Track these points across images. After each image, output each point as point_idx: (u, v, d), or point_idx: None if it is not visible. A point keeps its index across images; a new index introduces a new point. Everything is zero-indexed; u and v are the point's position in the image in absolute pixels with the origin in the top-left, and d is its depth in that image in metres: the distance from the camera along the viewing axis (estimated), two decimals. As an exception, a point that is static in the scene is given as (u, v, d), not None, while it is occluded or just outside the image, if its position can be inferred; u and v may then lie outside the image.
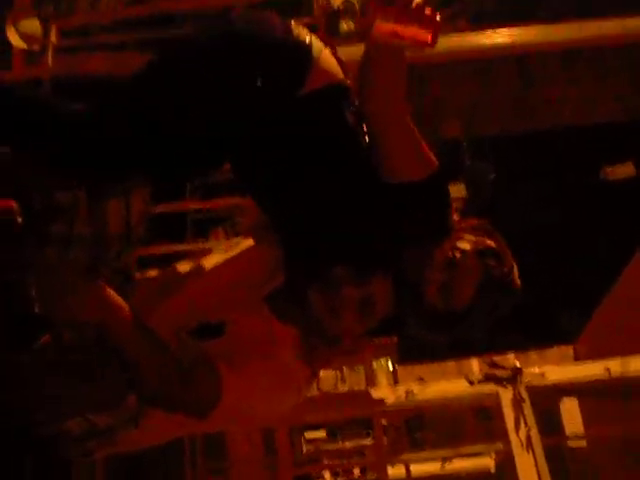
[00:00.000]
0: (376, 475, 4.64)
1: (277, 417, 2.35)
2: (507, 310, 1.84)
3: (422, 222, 1.79)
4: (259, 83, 1.75)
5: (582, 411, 7.24)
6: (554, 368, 4.00)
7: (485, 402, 4.07)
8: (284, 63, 1.79)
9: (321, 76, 1.79)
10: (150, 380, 1.62)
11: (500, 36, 4.67)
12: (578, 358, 8.28)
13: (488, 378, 3.87)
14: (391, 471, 4.42)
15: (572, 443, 6.64)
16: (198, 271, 1.92)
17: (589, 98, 5.79)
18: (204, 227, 5.38)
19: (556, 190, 7.87)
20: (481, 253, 1.80)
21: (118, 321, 1.61)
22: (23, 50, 4.38)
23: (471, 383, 3.89)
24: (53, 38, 4.48)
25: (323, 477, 6.37)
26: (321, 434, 6.22)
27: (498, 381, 3.84)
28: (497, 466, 6.02)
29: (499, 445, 3.89)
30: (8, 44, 4.28)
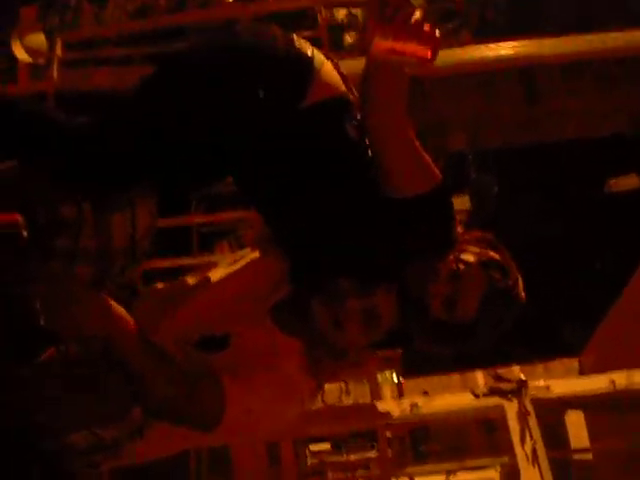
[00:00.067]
0: (381, 488, 4.63)
1: (281, 429, 2.34)
2: (512, 322, 1.84)
3: (425, 235, 1.79)
4: (261, 95, 1.76)
5: (588, 424, 7.20)
6: (559, 381, 4.00)
7: (490, 415, 4.07)
8: (286, 75, 1.79)
9: (322, 89, 1.79)
10: (155, 393, 1.63)
11: (504, 49, 4.70)
12: (583, 370, 8.24)
13: (493, 391, 3.87)
14: (396, 484, 4.41)
15: (578, 456, 6.61)
16: (203, 284, 1.92)
17: (593, 110, 5.80)
18: (209, 240, 5.39)
19: (560, 202, 7.87)
20: (485, 265, 1.80)
21: (122, 333, 1.61)
22: (28, 64, 4.41)
23: (476, 396, 3.89)
24: (58, 51, 4.51)
25: (327, 489, 6.35)
26: (326, 446, 6.19)
27: (503, 394, 3.84)
28: (502, 479, 6.00)
29: (504, 458, 3.89)
30: (14, 58, 4.31)
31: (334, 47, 4.87)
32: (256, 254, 1.98)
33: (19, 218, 1.68)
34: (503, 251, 1.86)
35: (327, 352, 1.81)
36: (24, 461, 1.66)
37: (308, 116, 1.78)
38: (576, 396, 4.05)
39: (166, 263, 4.09)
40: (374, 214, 1.78)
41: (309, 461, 5.77)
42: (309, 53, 1.81)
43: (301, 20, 4.96)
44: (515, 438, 3.69)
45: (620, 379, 3.88)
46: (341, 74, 1.85)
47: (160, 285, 1.99)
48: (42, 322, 1.59)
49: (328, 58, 1.85)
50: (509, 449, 3.71)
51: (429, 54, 1.58)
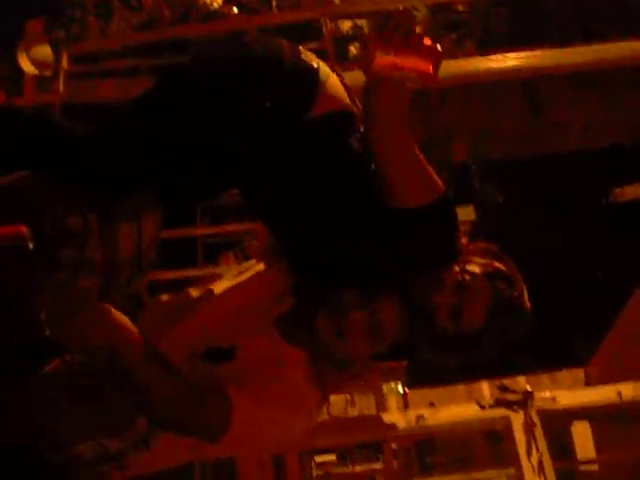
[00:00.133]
0: (386, 500, 4.61)
1: (288, 441, 2.34)
2: (518, 333, 1.84)
3: (429, 245, 1.79)
4: (267, 106, 1.77)
5: (594, 435, 7.17)
6: (565, 392, 3.99)
7: (496, 426, 4.06)
8: (293, 87, 1.80)
9: (328, 101, 1.80)
10: (160, 404, 1.63)
11: (507, 60, 4.70)
12: (589, 381, 8.21)
13: (499, 402, 3.86)
14: (401, 495, 4.40)
15: (584, 467, 6.58)
16: (208, 296, 1.93)
17: (597, 121, 5.81)
18: (214, 252, 5.39)
19: (563, 213, 7.86)
20: (491, 276, 1.80)
21: (127, 344, 1.61)
22: (35, 76, 4.43)
23: (482, 407, 3.88)
24: (64, 64, 4.53)
25: (333, 501, 6.32)
26: (331, 458, 6.17)
27: (509, 405, 3.83)
28: (508, 491, 5.97)
29: (510, 470, 3.87)
30: (20, 70, 4.33)
31: (339, 58, 4.88)
32: (261, 266, 1.98)
33: (25, 230, 1.68)
34: (508, 262, 1.86)
35: (331, 364, 1.81)
36: (31, 473, 1.66)
37: (313, 128, 1.79)
38: (582, 407, 4.03)
39: (171, 274, 4.09)
40: (377, 223, 1.79)
41: (314, 472, 5.74)
42: (315, 65, 1.82)
43: (306, 32, 4.98)
44: (521, 449, 3.68)
45: (626, 390, 3.87)
46: (345, 86, 1.86)
47: (165, 296, 1.99)
48: (47, 333, 1.59)
49: (333, 70, 1.86)
50: (515, 460, 3.70)
51: (430, 69, 1.58)
